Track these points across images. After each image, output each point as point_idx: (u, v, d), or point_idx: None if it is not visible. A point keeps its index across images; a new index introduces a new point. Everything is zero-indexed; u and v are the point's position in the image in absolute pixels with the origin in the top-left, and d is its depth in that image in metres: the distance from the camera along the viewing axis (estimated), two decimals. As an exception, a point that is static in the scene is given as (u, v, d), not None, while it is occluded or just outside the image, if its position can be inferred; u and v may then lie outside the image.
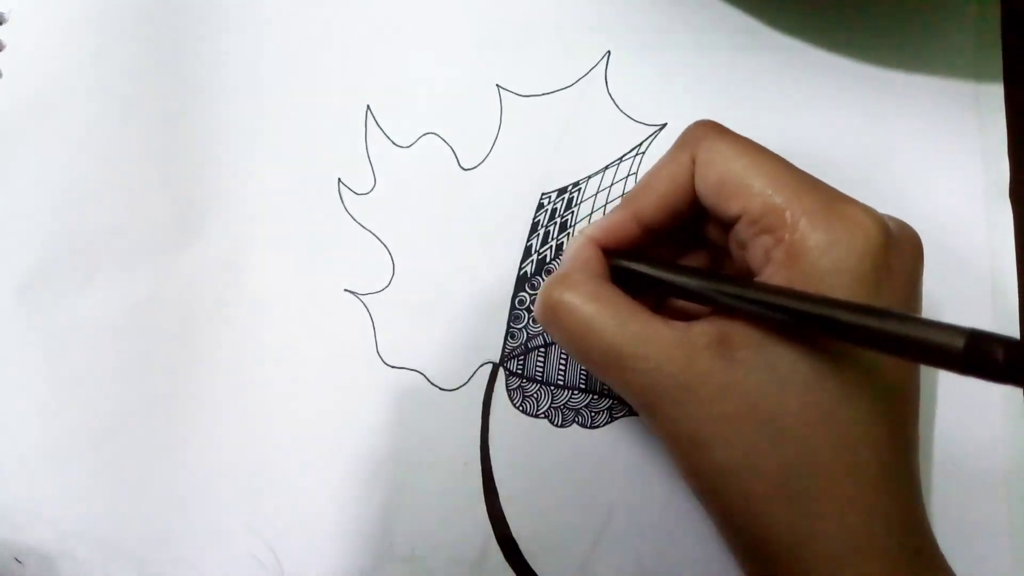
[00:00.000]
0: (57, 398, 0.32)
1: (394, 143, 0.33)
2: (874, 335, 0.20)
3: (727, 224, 0.26)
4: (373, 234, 0.33)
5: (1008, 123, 0.32)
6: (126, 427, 0.32)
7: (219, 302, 0.33)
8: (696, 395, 0.23)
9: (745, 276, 0.25)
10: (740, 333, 0.23)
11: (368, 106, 0.34)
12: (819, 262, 0.23)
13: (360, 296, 0.33)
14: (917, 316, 0.20)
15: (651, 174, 0.27)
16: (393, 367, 0.32)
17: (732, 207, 0.25)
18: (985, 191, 0.32)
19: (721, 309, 0.25)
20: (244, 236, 0.33)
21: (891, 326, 0.20)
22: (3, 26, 0.33)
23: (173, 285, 0.33)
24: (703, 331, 0.24)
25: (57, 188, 0.33)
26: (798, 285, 0.23)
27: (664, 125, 0.33)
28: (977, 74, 0.32)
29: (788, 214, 0.23)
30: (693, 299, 0.26)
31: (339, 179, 0.33)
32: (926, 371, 0.28)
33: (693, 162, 0.26)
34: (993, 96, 0.32)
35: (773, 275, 0.24)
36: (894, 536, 0.23)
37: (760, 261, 0.24)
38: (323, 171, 0.33)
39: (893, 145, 0.32)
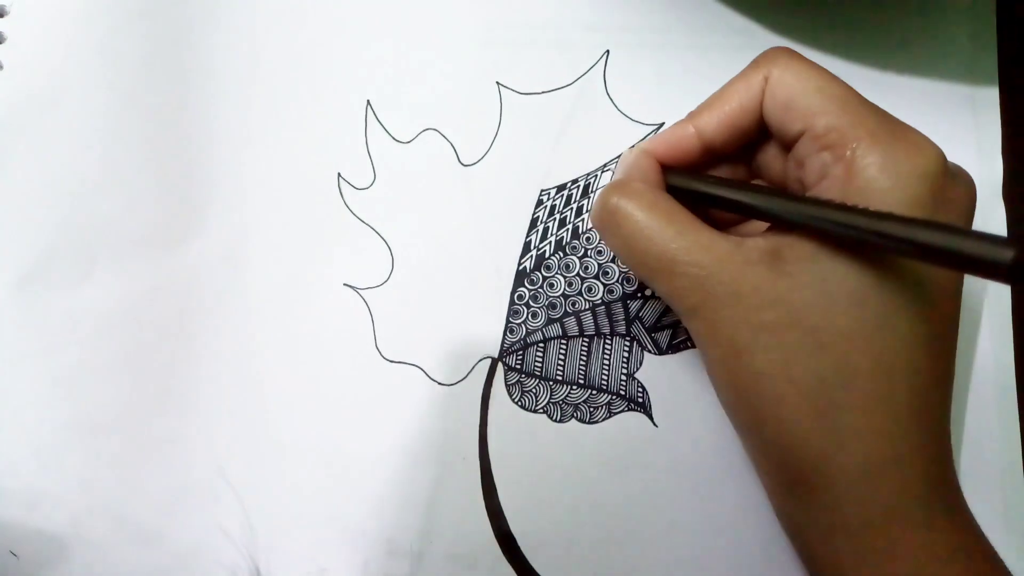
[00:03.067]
0: (55, 390, 0.32)
1: (394, 139, 0.34)
2: (925, 246, 0.20)
3: (787, 143, 0.26)
4: (373, 229, 0.33)
5: (1003, 124, 0.32)
6: (124, 420, 0.32)
7: (218, 296, 0.33)
8: (744, 303, 0.24)
9: (800, 193, 0.25)
10: (792, 248, 0.24)
11: (368, 101, 0.34)
12: (877, 180, 0.23)
13: (359, 291, 0.33)
14: (965, 228, 0.20)
15: (719, 92, 0.27)
16: (392, 361, 0.32)
17: (796, 124, 0.25)
18: (980, 191, 0.32)
19: (775, 225, 0.25)
20: (244, 230, 0.33)
21: (941, 238, 0.20)
22: (4, 19, 0.33)
23: (172, 278, 0.33)
24: (756, 245, 0.25)
25: (57, 181, 0.33)
26: (853, 201, 0.23)
27: (661, 124, 0.33)
28: (972, 76, 0.33)
29: (851, 132, 0.24)
30: (749, 214, 0.26)
31: (339, 174, 0.34)
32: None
33: (765, 81, 0.26)
34: (988, 97, 0.33)
35: (829, 189, 0.24)
36: (919, 462, 0.24)
37: (817, 177, 0.25)
38: (323, 166, 0.34)
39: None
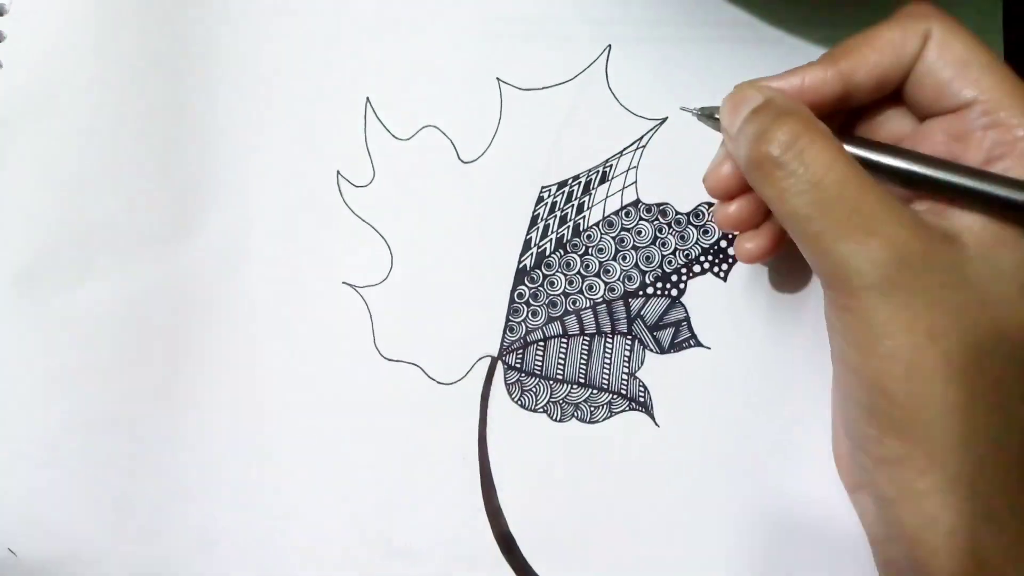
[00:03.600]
0: (54, 389, 0.32)
1: (393, 136, 0.33)
2: None
3: (940, 110, 0.24)
4: (372, 227, 0.33)
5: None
6: (122, 418, 0.32)
7: (217, 294, 0.33)
8: (938, 280, 0.22)
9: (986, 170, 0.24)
10: (972, 232, 0.23)
11: (368, 98, 0.34)
12: None
13: (358, 289, 0.33)
14: None
15: (864, 39, 0.25)
16: (390, 360, 0.32)
17: (967, 91, 0.23)
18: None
19: (953, 205, 0.24)
20: (242, 228, 0.33)
21: None
22: (3, 18, 0.33)
23: (171, 277, 0.33)
24: (937, 223, 0.24)
25: (55, 179, 0.33)
26: None
27: (664, 119, 0.33)
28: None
29: None
30: (935, 190, 0.24)
31: (338, 171, 0.33)
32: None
33: (926, 36, 0.24)
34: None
35: (1010, 170, 0.23)
36: None
37: (987, 154, 0.24)
38: (322, 163, 0.33)
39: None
